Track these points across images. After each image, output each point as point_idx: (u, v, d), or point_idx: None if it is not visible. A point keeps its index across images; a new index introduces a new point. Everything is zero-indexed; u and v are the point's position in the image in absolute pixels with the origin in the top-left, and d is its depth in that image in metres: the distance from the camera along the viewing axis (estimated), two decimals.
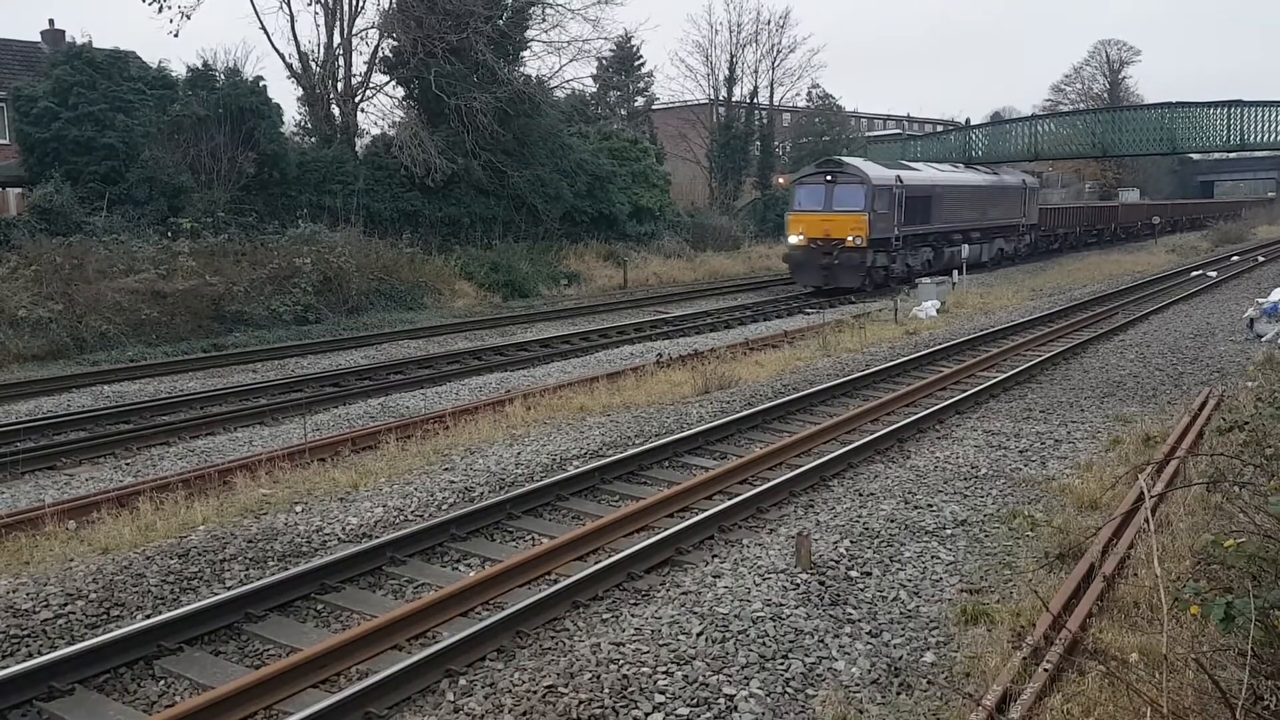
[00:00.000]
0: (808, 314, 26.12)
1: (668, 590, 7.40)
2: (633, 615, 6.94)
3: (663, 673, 6.06)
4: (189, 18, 29.25)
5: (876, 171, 30.96)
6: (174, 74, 27.91)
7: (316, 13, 31.16)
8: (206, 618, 6.90)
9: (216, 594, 7.35)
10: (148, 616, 7.03)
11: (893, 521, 8.83)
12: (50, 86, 24.86)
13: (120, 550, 8.07)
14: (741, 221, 47.20)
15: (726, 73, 54.73)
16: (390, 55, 31.55)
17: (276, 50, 39.35)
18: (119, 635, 6.51)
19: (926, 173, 35.08)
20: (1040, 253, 44.98)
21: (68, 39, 29.71)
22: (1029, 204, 42.23)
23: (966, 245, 34.51)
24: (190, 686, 6.28)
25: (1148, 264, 40.15)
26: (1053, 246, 46.93)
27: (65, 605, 7.08)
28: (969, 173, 39.20)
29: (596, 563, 7.91)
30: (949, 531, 8.67)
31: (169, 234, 23.69)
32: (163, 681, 6.39)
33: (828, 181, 30.21)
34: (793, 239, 30.69)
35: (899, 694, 5.97)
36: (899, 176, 31.36)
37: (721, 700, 5.81)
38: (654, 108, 57.65)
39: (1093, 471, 10.16)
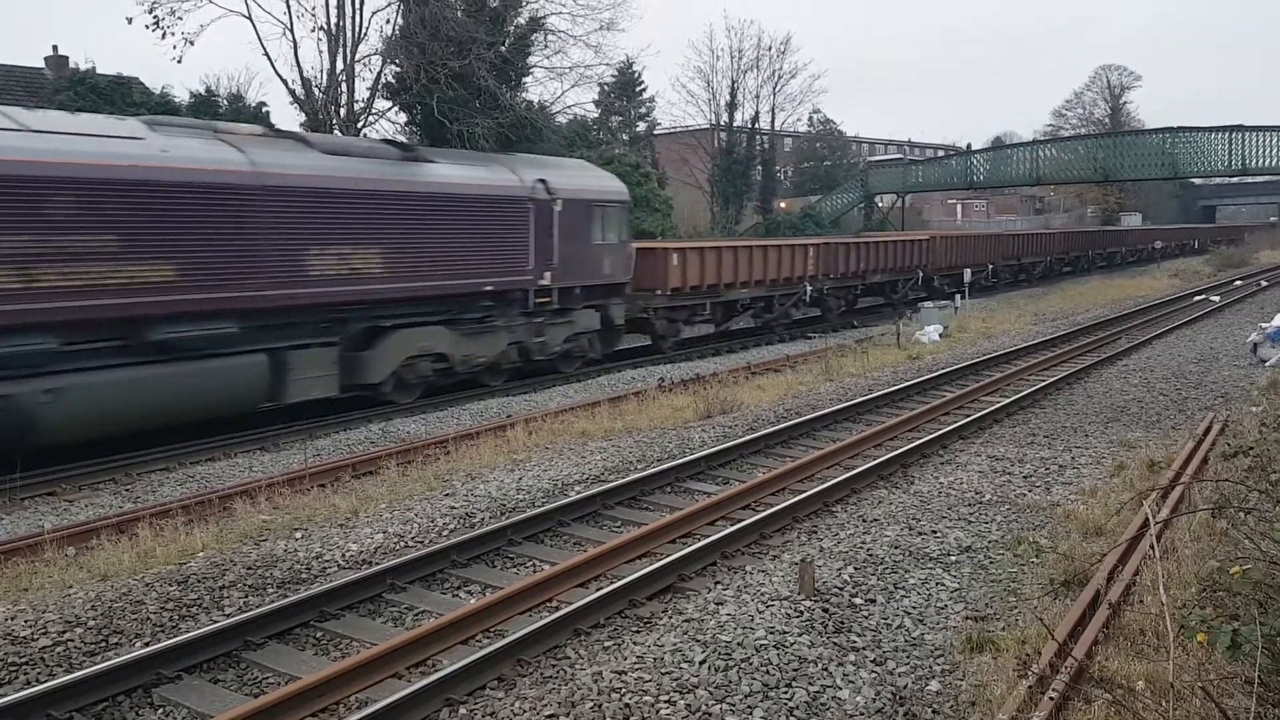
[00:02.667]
0: (809, 338, 26.12)
1: (670, 617, 7.35)
2: (635, 643, 6.88)
3: (665, 702, 6.00)
4: (192, 44, 29.26)
5: None
6: (177, 100, 28.07)
7: (320, 40, 31.34)
8: (205, 645, 6.85)
9: (216, 621, 7.30)
10: (146, 644, 6.98)
11: (897, 548, 8.78)
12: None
13: (119, 577, 8.03)
14: None
15: (728, 98, 55.17)
16: (393, 81, 31.67)
17: (280, 76, 39.66)
18: (118, 663, 6.45)
19: None
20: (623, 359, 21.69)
21: (71, 65, 29.86)
22: (564, 238, 18.60)
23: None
24: (189, 715, 6.23)
25: (1150, 288, 40.20)
26: (686, 337, 24.44)
27: (64, 632, 7.04)
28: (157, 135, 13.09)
29: (598, 589, 7.86)
30: (953, 558, 8.62)
31: None
32: (161, 710, 6.33)
33: None
34: None
35: None
36: None
37: None
38: (656, 133, 57.91)
39: (1097, 497, 10.12)
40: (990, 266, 39.00)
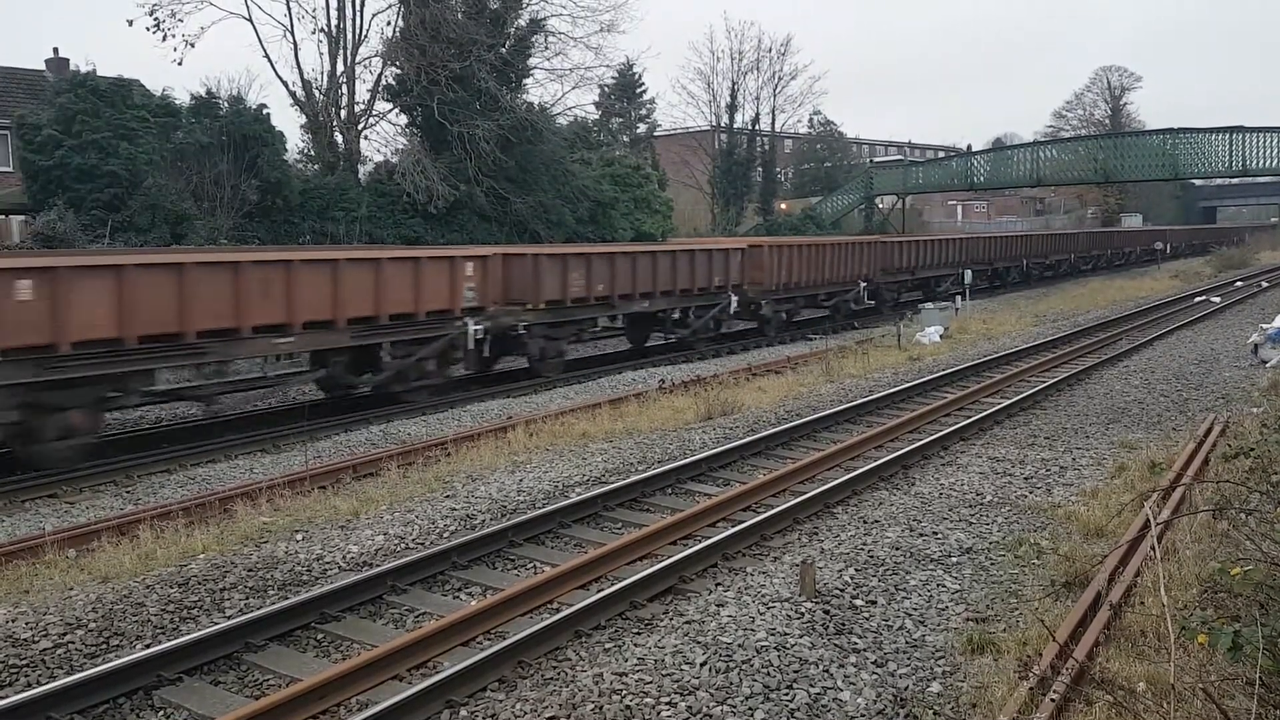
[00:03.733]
0: (810, 339, 26.13)
1: (671, 619, 7.34)
2: (635, 645, 6.88)
3: (666, 703, 6.00)
4: (193, 46, 29.50)
5: None
6: (177, 102, 28.06)
7: (320, 41, 31.46)
8: (206, 647, 6.84)
9: (216, 623, 7.29)
10: (147, 646, 6.97)
11: (898, 549, 8.78)
12: (54, 114, 24.98)
13: (120, 579, 8.03)
14: None
15: (728, 99, 55.31)
16: (393, 83, 31.76)
17: (280, 78, 39.52)
18: (118, 665, 6.46)
19: None
20: None
21: (71, 67, 29.89)
22: None
23: None
24: (190, 717, 6.22)
25: (1151, 289, 40.20)
26: None
27: (65, 634, 7.03)
28: None
29: (599, 591, 7.86)
30: (954, 559, 8.61)
31: None
32: (162, 712, 6.33)
33: None
34: None
35: None
36: None
37: None
38: (656, 134, 58.00)
39: (1098, 498, 10.11)
40: (863, 285, 29.70)
